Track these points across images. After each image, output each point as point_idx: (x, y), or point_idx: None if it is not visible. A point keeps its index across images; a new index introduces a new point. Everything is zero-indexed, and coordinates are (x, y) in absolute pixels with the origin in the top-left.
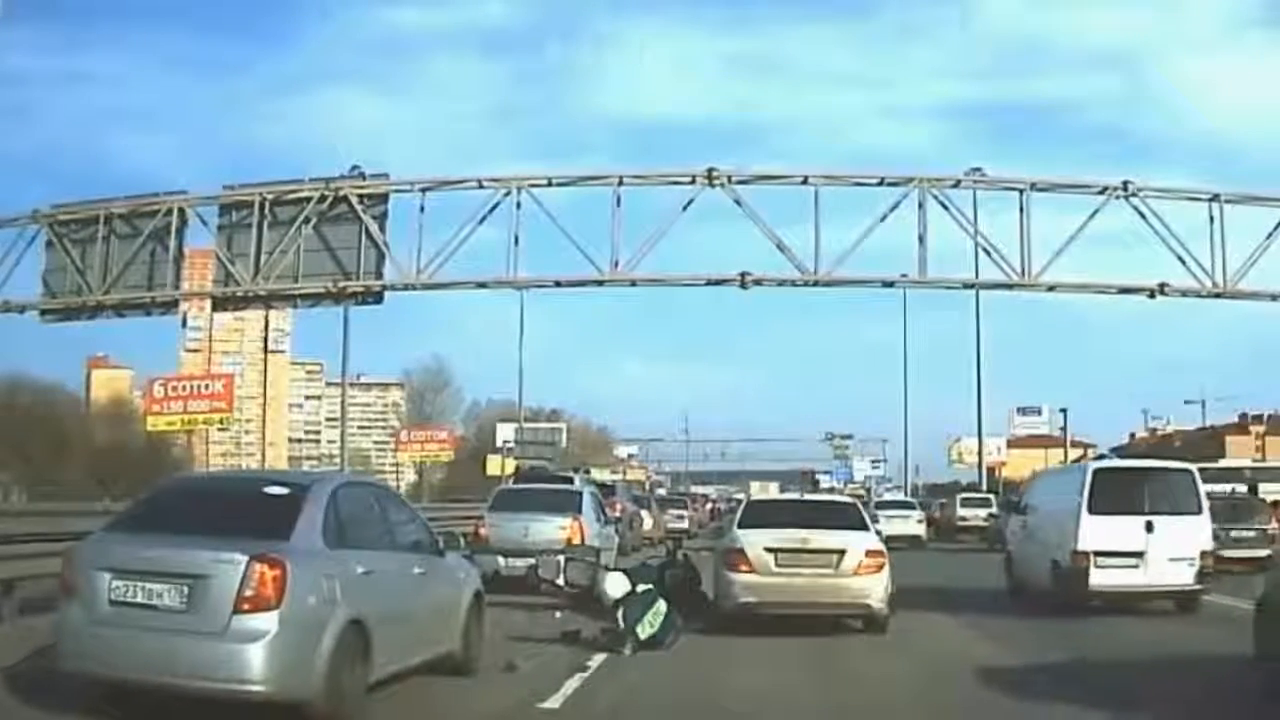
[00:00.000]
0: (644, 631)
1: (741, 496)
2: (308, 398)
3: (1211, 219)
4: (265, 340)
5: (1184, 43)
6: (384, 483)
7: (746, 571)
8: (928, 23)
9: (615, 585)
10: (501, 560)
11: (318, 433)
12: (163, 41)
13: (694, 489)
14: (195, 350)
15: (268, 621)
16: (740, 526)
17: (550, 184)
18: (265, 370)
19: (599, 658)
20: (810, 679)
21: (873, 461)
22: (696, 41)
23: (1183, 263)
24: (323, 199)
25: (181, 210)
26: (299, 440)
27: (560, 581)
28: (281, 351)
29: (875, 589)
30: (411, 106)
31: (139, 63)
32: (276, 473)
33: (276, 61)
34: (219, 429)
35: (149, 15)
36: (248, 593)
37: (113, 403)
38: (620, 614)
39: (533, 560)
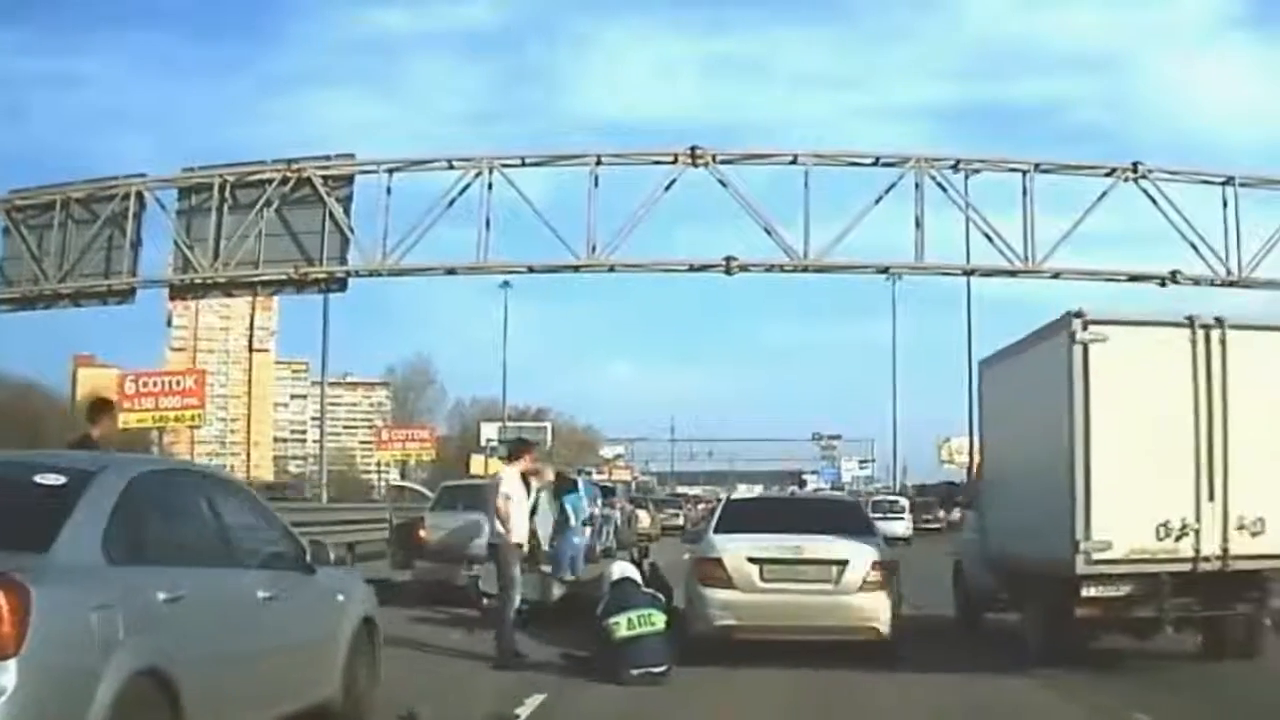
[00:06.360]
0: (619, 631)
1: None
2: (294, 396)
3: (1225, 203)
4: (250, 339)
5: (1173, 43)
6: (222, 471)
7: (724, 587)
8: (913, 25)
9: (621, 569)
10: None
11: (303, 432)
12: (145, 41)
13: (680, 489)
14: (180, 349)
15: (3, 675)
16: (717, 532)
17: (524, 163)
18: (250, 369)
19: (534, 700)
20: None
21: (860, 462)
22: (677, 45)
23: (1195, 249)
24: (285, 180)
25: (140, 194)
26: (284, 440)
27: None
28: (266, 350)
29: (883, 609)
30: (391, 110)
31: (121, 62)
32: (61, 454)
33: (261, 62)
34: (190, 426)
35: (135, 14)
36: None
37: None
38: (604, 604)
39: (476, 571)
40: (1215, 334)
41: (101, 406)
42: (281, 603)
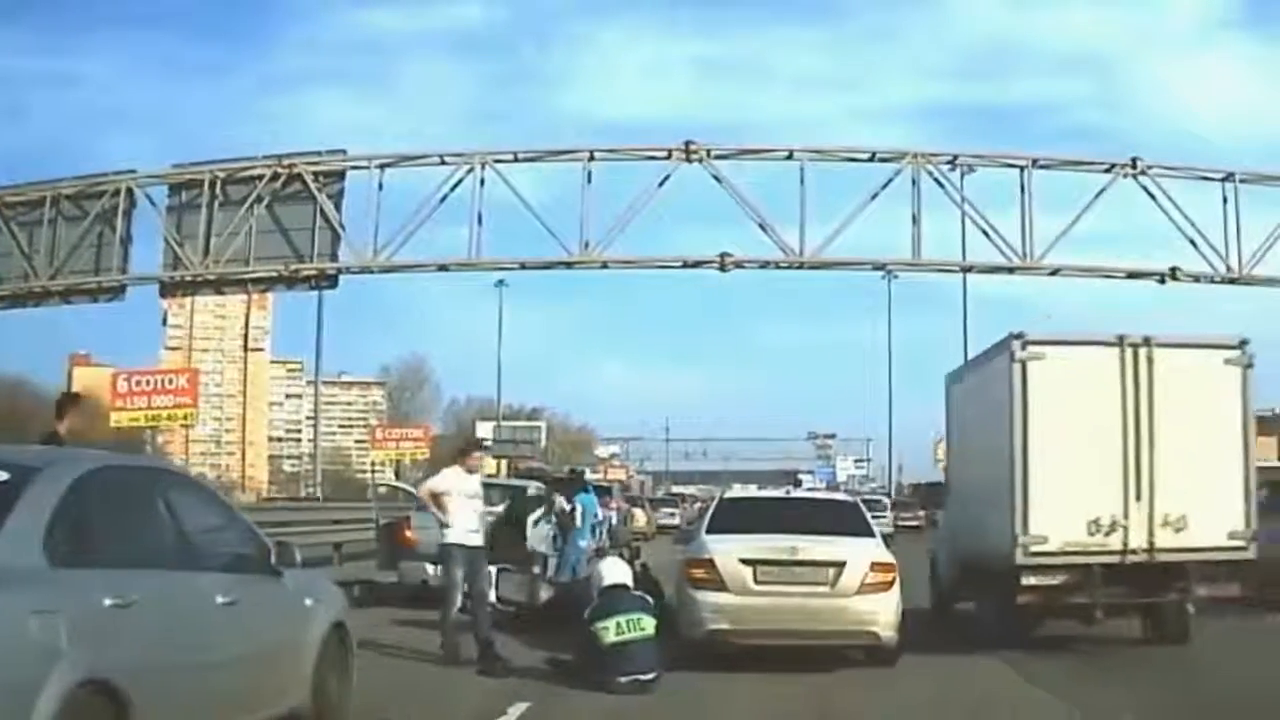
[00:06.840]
0: (607, 636)
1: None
2: (289, 396)
3: (1225, 200)
4: (245, 338)
5: (1169, 44)
6: (180, 468)
7: (716, 589)
8: (909, 25)
9: (612, 570)
10: (430, 568)
11: (299, 431)
12: (146, 41)
13: (675, 489)
14: (176, 348)
15: None
16: (709, 531)
17: (516, 159)
18: (245, 368)
19: (518, 708)
20: None
21: (857, 461)
22: (672, 45)
23: (1194, 246)
24: (276, 176)
25: (130, 191)
26: (280, 439)
27: (491, 598)
28: (261, 350)
29: (883, 612)
30: (387, 111)
31: (121, 62)
32: (6, 449)
33: (260, 63)
34: (183, 425)
35: (135, 14)
36: None
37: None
38: (592, 607)
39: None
40: (1143, 351)
41: (68, 401)
42: (243, 607)
